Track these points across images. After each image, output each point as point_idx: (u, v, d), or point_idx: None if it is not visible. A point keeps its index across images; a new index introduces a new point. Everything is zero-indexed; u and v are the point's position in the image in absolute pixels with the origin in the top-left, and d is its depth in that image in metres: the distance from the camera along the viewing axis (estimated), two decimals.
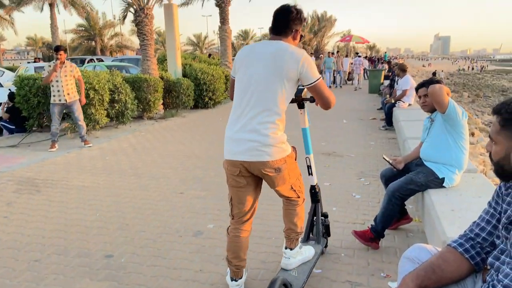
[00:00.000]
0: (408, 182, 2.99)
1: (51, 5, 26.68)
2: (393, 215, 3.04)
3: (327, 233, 3.03)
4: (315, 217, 2.91)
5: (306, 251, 2.64)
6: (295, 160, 2.39)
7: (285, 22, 2.25)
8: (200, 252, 3.10)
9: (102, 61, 19.81)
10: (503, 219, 1.37)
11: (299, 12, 2.28)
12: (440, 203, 2.73)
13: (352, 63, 19.88)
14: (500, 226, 1.39)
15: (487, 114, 19.61)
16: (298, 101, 2.55)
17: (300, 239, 2.62)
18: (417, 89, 3.23)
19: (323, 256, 2.97)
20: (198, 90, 11.48)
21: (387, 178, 3.36)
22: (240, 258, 2.40)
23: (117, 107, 8.18)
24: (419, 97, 3.18)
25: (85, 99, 6.88)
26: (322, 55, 26.74)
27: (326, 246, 3.07)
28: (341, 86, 18.62)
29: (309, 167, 2.76)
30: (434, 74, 43.34)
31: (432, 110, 3.11)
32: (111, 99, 8.05)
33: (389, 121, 8.04)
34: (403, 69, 8.17)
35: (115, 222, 3.69)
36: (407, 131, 5.70)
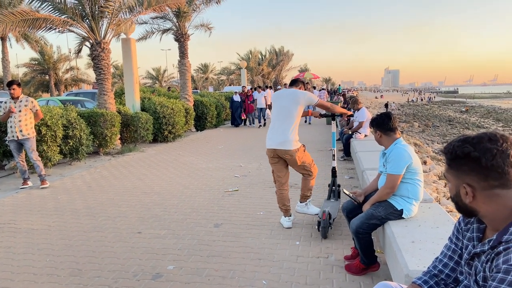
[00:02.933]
0: (369, 217, 3.02)
1: (2, 39, 25.83)
2: (370, 244, 3.08)
3: (339, 196, 4.68)
4: (333, 187, 4.64)
5: (311, 209, 4.45)
6: (304, 151, 4.22)
7: (296, 81, 4.42)
8: None
9: None
10: (465, 254, 1.39)
11: (302, 79, 4.60)
12: (400, 235, 2.77)
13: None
14: (463, 262, 1.40)
15: (436, 143, 20.64)
16: (330, 116, 4.68)
17: (308, 200, 4.43)
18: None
19: None
20: (157, 123, 11.32)
21: (349, 210, 3.39)
22: (285, 204, 4.27)
23: (71, 143, 7.85)
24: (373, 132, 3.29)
25: (35, 133, 6.50)
26: (280, 87, 27.57)
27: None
28: (309, 123, 17.00)
29: (333, 155, 4.74)
30: (386, 105, 45.47)
31: (382, 145, 3.21)
32: (64, 135, 7.73)
33: (347, 151, 8.24)
34: (357, 102, 8.48)
35: (67, 268, 3.45)
36: (364, 162, 5.84)
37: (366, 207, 3.18)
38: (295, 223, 4.43)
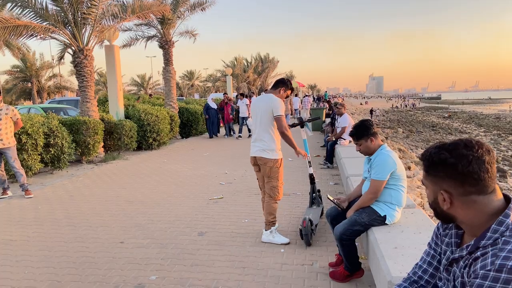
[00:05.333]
0: (353, 223, 3.02)
1: None
2: (354, 251, 3.07)
3: (321, 201, 4.83)
4: (314, 193, 4.75)
5: (276, 238, 4.04)
6: (280, 167, 3.95)
7: (277, 84, 4.10)
8: None
9: None
10: (444, 260, 1.39)
11: (286, 80, 4.11)
12: (383, 241, 2.77)
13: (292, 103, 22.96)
14: (441, 268, 1.40)
15: (420, 148, 20.92)
16: (300, 124, 4.75)
17: (273, 227, 4.05)
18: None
19: None
20: (142, 131, 11.20)
21: (333, 217, 3.38)
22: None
23: (52, 152, 7.71)
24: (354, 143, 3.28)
25: (15, 142, 6.36)
26: (263, 93, 27.63)
27: (322, 213, 4.70)
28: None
29: (309, 162, 4.73)
30: (371, 112, 45.99)
31: (366, 154, 3.22)
32: (46, 143, 7.59)
33: (330, 159, 8.24)
34: (341, 107, 8.55)
35: (45, 280, 3.35)
36: (349, 168, 5.86)
37: (350, 213, 3.18)
38: (280, 230, 4.40)
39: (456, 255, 1.31)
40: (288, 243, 4.00)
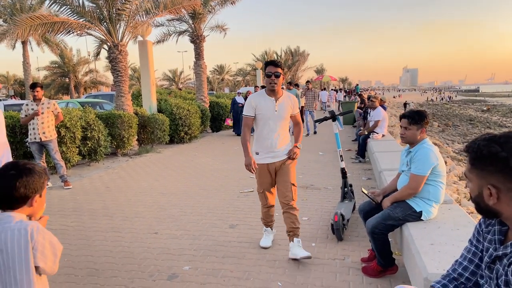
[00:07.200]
0: (386, 217, 2.96)
1: (23, 43, 26.48)
2: (386, 245, 3.01)
3: (352, 195, 4.75)
4: (345, 188, 4.70)
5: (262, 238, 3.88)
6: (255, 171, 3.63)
7: None
8: None
9: None
10: (486, 257, 1.34)
11: (274, 63, 3.47)
12: (419, 237, 2.70)
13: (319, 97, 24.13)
14: (483, 265, 1.35)
15: (457, 143, 20.21)
16: (332, 117, 4.66)
17: (264, 228, 3.89)
18: (400, 118, 3.26)
19: None
20: (174, 125, 11.40)
21: (365, 212, 3.32)
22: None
23: (89, 144, 7.98)
24: (401, 126, 3.17)
25: (56, 134, 6.61)
26: (291, 88, 27.36)
27: (354, 208, 4.63)
28: (315, 132, 13.28)
29: (340, 156, 4.74)
30: (405, 105, 44.81)
31: (408, 142, 3.11)
32: (83, 136, 7.86)
33: (362, 153, 8.09)
34: (374, 101, 8.36)
35: (84, 268, 3.49)
36: (382, 162, 5.74)
37: (386, 203, 3.09)
38: (311, 224, 4.38)
39: (500, 252, 1.25)
40: (264, 248, 3.77)
